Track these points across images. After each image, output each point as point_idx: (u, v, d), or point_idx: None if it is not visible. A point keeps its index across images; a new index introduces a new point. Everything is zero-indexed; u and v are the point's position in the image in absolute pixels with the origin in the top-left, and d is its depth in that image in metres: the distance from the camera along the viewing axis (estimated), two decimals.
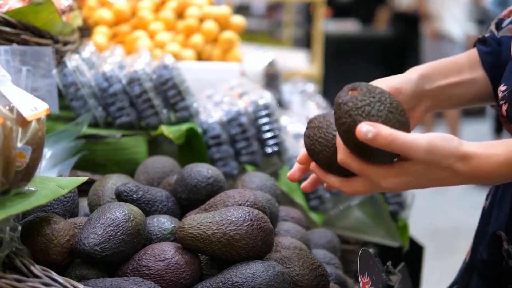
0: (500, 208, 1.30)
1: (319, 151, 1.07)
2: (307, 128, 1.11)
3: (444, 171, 0.99)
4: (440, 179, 1.01)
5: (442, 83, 1.28)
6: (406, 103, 1.18)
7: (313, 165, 1.11)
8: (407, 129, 1.00)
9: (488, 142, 1.02)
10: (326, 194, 1.82)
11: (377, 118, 0.97)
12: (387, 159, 1.00)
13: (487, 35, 1.35)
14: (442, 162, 0.98)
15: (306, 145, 1.10)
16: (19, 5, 1.57)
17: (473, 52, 1.35)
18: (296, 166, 1.18)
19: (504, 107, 1.20)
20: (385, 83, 1.17)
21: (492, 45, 1.33)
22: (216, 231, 1.11)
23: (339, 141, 1.03)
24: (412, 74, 1.24)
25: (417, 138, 0.97)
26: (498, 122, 6.70)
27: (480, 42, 1.35)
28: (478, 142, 1.02)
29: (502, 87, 1.22)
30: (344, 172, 1.05)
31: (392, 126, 0.97)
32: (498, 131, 7.22)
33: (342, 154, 1.02)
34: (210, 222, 1.12)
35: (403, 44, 8.92)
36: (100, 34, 2.20)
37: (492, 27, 1.35)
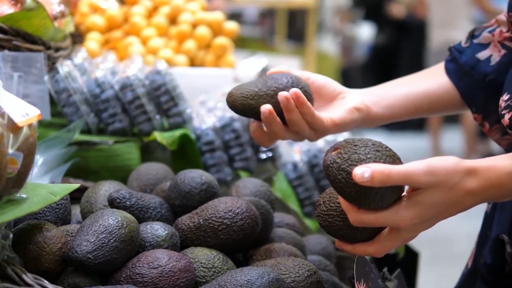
0: (503, 211, 1.29)
1: (331, 224, 1.06)
2: (315, 209, 1.11)
3: (454, 191, 0.97)
4: (454, 202, 0.98)
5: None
6: None
7: (338, 243, 1.08)
8: (399, 162, 0.99)
9: (488, 157, 1.02)
10: None
11: (368, 160, 0.97)
12: (394, 197, 0.98)
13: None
14: (448, 181, 0.97)
15: (322, 226, 1.09)
16: (11, 11, 1.56)
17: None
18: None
19: (508, 116, 1.19)
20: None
21: (453, 53, 1.36)
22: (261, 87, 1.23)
23: (344, 203, 1.01)
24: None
25: (414, 164, 0.96)
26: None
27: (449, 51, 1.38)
28: (478, 159, 1.01)
29: (505, 96, 1.21)
30: (367, 234, 1.04)
31: (384, 162, 0.97)
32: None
33: (352, 214, 1.00)
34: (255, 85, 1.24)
35: (394, 51, 8.92)
36: (92, 40, 2.19)
37: (464, 36, 1.37)
